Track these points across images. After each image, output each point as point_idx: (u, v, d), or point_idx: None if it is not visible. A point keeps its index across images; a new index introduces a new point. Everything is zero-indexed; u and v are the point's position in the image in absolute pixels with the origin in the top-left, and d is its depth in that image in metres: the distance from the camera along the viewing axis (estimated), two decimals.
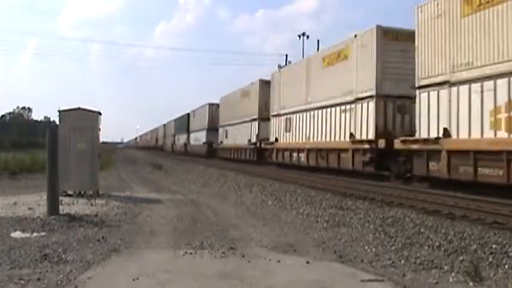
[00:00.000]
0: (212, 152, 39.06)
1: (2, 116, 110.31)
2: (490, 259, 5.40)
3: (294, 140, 22.43)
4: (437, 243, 6.21)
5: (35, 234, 6.67)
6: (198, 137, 44.75)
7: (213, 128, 39.84)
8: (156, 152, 69.67)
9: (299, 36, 46.21)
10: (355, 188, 13.44)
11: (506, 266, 5.11)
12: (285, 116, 23.66)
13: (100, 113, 11.64)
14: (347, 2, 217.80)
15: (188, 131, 50.03)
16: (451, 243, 6.24)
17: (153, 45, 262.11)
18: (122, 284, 4.45)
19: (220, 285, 4.46)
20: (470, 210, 9.00)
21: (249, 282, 4.51)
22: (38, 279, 4.47)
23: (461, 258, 5.45)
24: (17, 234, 6.67)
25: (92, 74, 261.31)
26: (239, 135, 31.75)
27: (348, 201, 10.97)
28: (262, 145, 26.83)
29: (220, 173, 21.44)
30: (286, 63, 42.06)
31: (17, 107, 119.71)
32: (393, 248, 6.07)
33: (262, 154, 27.43)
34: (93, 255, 5.45)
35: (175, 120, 60.24)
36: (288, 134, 23.18)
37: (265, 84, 27.85)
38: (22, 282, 4.38)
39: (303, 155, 21.22)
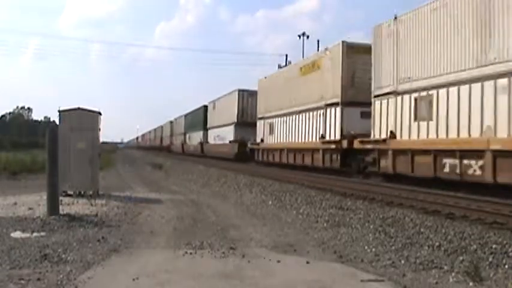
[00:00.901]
0: (244, 153, 29.80)
1: (2, 116, 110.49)
2: (490, 259, 5.39)
3: (443, 135, 12.51)
4: (437, 243, 6.21)
5: (35, 234, 6.67)
6: (222, 135, 35.09)
7: (244, 122, 31.19)
8: (161, 153, 62.36)
9: (299, 36, 46.19)
10: (355, 188, 13.43)
11: (506, 266, 5.11)
12: (413, 94, 13.80)
13: (100, 113, 11.66)
14: (347, 2, 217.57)
15: (205, 128, 40.78)
16: (451, 243, 6.24)
17: (153, 45, 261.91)
18: (122, 284, 4.44)
19: (220, 285, 4.46)
20: (470, 210, 8.99)
21: (249, 282, 4.51)
22: (38, 279, 4.47)
23: (461, 258, 5.45)
24: (17, 234, 6.67)
25: (92, 74, 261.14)
26: (299, 129, 21.85)
27: (348, 201, 10.96)
28: (356, 145, 16.69)
29: (220, 173, 21.44)
30: (286, 64, 42.01)
31: (17, 107, 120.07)
32: (393, 248, 6.07)
33: (353, 159, 17.23)
34: (93, 255, 5.45)
35: (187, 115, 50.82)
36: (423, 124, 13.32)
37: (351, 49, 18.11)
38: (22, 282, 4.38)
39: (477, 165, 11.26)
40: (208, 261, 5.34)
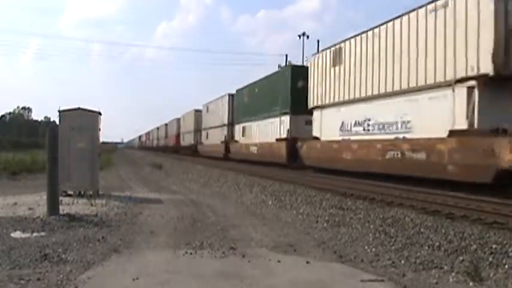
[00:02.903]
0: None
1: (2, 116, 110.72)
2: (490, 259, 5.40)
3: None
4: (437, 243, 6.21)
5: (35, 234, 6.67)
6: (408, 115, 13.94)
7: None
8: (181, 157, 45.21)
9: (299, 36, 46.01)
10: (355, 188, 13.42)
11: (506, 266, 5.11)
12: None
13: (100, 113, 11.64)
14: (348, 2, 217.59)
15: (296, 110, 22.27)
16: (451, 243, 6.24)
17: (154, 45, 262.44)
18: (122, 284, 4.44)
19: (220, 285, 4.46)
20: (470, 210, 9.00)
21: (249, 282, 4.51)
22: (38, 279, 4.47)
23: (461, 258, 5.45)
24: (17, 234, 6.67)
25: (92, 74, 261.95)
26: None
27: (348, 201, 10.96)
28: None
29: (221, 173, 21.43)
30: (286, 64, 42.02)
31: (17, 107, 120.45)
32: (393, 248, 6.07)
33: None
34: (93, 255, 5.45)
35: (239, 92, 32.07)
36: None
37: None
38: (22, 282, 4.38)
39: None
40: (208, 261, 5.33)
